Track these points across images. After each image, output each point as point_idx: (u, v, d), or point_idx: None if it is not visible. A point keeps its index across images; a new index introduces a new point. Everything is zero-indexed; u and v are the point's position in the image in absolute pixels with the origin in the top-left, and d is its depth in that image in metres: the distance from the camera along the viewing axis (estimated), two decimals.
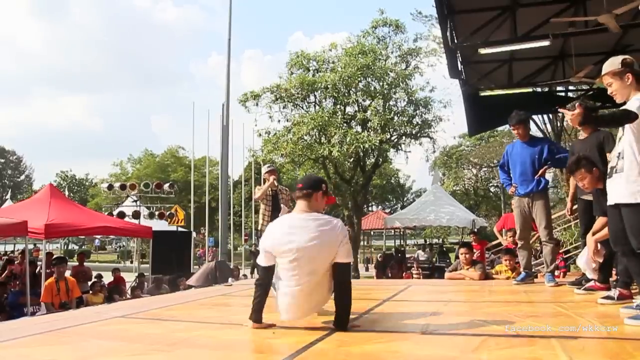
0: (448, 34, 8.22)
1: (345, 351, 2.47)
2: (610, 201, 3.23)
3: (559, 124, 19.05)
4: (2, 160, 55.84)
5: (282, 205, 6.56)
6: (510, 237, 8.36)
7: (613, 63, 3.27)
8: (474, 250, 7.39)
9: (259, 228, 6.81)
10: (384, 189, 43.39)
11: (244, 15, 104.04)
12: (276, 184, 6.72)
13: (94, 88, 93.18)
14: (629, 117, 2.97)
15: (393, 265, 16.14)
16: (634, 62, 3.24)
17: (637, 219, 3.01)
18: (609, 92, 3.34)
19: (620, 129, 3.20)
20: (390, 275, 15.19)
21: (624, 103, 3.16)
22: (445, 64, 9.15)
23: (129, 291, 11.21)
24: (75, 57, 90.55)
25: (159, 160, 41.92)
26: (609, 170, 3.29)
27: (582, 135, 4.76)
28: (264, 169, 7.04)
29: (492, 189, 38.65)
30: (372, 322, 3.35)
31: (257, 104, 20.09)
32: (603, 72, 3.31)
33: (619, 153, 3.16)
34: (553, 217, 11.40)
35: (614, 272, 4.43)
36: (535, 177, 5.08)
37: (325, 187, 3.12)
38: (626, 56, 3.28)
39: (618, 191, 3.12)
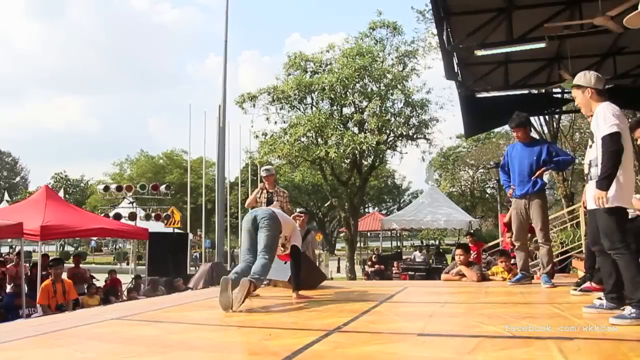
0: (444, 36, 8.23)
1: (341, 353, 2.47)
2: (590, 206, 3.40)
3: (555, 125, 19.12)
4: None
5: (275, 203, 6.57)
6: (509, 237, 8.36)
7: (579, 77, 3.48)
8: (471, 252, 7.41)
9: None
10: (380, 190, 43.41)
11: (242, 17, 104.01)
12: (267, 187, 6.75)
13: (91, 89, 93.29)
14: (616, 147, 3.15)
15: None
16: (597, 78, 3.44)
17: (607, 222, 3.19)
18: (575, 104, 3.60)
19: (589, 139, 3.43)
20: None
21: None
22: (442, 62, 9.16)
23: (125, 293, 11.18)
24: (72, 58, 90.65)
25: (155, 162, 41.75)
26: (585, 177, 3.49)
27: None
28: (262, 172, 7.05)
29: (488, 191, 38.73)
30: (369, 323, 3.35)
31: (254, 105, 20.06)
32: (572, 85, 3.60)
33: (590, 161, 3.35)
34: (550, 218, 11.47)
35: None
36: (532, 178, 5.09)
37: None
38: (592, 72, 3.50)
39: (591, 196, 3.30)
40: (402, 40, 20.49)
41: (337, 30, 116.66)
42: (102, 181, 36.66)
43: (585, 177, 3.44)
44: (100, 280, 11.48)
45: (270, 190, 6.77)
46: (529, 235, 6.41)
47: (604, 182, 3.14)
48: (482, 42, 8.12)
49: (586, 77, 3.42)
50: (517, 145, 5.37)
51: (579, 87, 3.45)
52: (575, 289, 4.32)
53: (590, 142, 3.39)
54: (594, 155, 3.30)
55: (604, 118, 3.20)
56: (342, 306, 4.18)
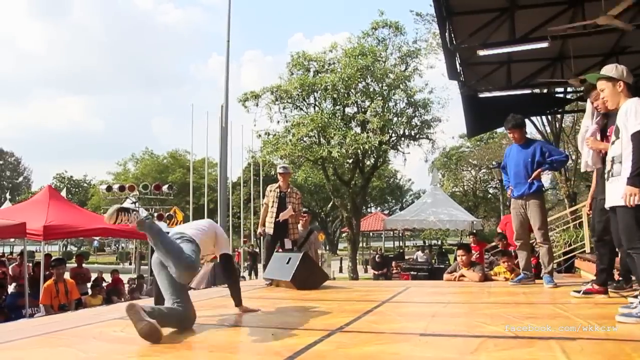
0: (447, 35, 8.23)
1: (344, 353, 2.47)
2: (610, 203, 3.28)
3: (557, 125, 19.08)
4: (1, 162, 55.82)
5: (288, 206, 6.51)
6: (497, 241, 8.33)
7: (609, 69, 3.36)
8: (473, 252, 7.39)
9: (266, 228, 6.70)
10: (382, 190, 43.39)
11: (244, 17, 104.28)
12: (281, 186, 6.68)
13: (94, 89, 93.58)
14: None
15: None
16: (627, 72, 3.35)
17: (631, 219, 3.09)
18: (600, 97, 3.47)
19: (613, 134, 3.29)
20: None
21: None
22: (445, 62, 9.15)
23: (127, 293, 11.19)
24: (75, 59, 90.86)
25: (160, 161, 41.80)
26: (605, 174, 3.37)
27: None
28: (278, 169, 6.95)
29: (490, 191, 38.67)
30: (371, 323, 3.34)
31: (257, 105, 20.09)
32: (599, 76, 3.41)
33: (613, 157, 3.24)
34: (552, 218, 11.45)
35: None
36: (529, 180, 5.13)
37: None
38: (622, 65, 3.38)
39: (617, 194, 3.16)
40: (404, 40, 20.52)
41: (340, 30, 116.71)
42: (104, 181, 36.73)
43: (606, 174, 3.33)
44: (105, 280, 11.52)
45: (284, 190, 6.66)
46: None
47: (637, 179, 3.02)
48: (484, 42, 8.11)
49: (618, 70, 3.33)
50: (513, 146, 5.45)
51: (609, 79, 3.34)
52: (578, 291, 4.25)
53: (613, 138, 3.27)
54: (618, 151, 3.20)
55: (635, 113, 3.08)
56: (344, 306, 4.17)
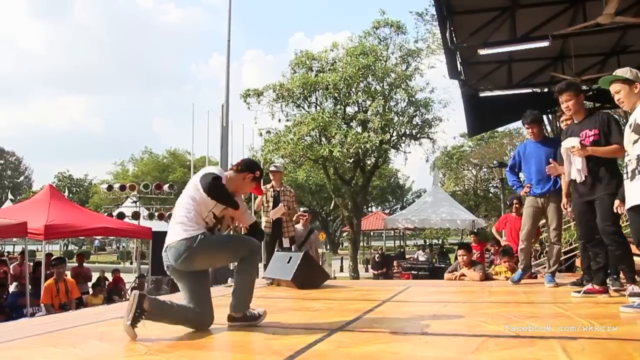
0: (447, 34, 8.23)
1: (344, 352, 2.47)
2: (633, 202, 3.27)
3: (558, 125, 19.06)
4: (2, 161, 55.85)
5: (281, 204, 6.51)
6: (490, 246, 8.30)
7: (624, 72, 3.41)
8: (473, 251, 7.38)
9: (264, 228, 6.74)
10: (383, 189, 43.32)
11: (245, 16, 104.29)
12: (274, 185, 6.69)
13: (95, 89, 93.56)
14: None
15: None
16: None
17: None
18: (615, 100, 3.48)
19: (634, 133, 3.29)
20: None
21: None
22: (445, 63, 9.15)
23: (128, 292, 11.20)
24: (76, 58, 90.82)
25: (160, 160, 41.74)
26: (629, 173, 3.33)
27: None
28: (270, 168, 6.97)
29: (491, 190, 38.60)
30: (372, 322, 3.34)
31: (259, 102, 20.09)
32: (613, 79, 3.45)
33: (638, 155, 3.24)
34: None
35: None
36: (553, 176, 4.96)
37: (258, 174, 3.26)
38: (635, 69, 3.44)
39: None
40: (405, 39, 20.50)
41: (341, 29, 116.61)
42: (105, 180, 36.68)
43: (630, 173, 3.32)
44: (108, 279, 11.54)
45: (277, 189, 6.66)
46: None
47: None
48: (485, 41, 8.11)
49: (633, 73, 3.39)
50: (529, 143, 5.30)
51: (625, 81, 3.39)
52: (578, 292, 4.23)
53: (636, 137, 3.27)
54: None
55: None
56: (345, 305, 4.17)
